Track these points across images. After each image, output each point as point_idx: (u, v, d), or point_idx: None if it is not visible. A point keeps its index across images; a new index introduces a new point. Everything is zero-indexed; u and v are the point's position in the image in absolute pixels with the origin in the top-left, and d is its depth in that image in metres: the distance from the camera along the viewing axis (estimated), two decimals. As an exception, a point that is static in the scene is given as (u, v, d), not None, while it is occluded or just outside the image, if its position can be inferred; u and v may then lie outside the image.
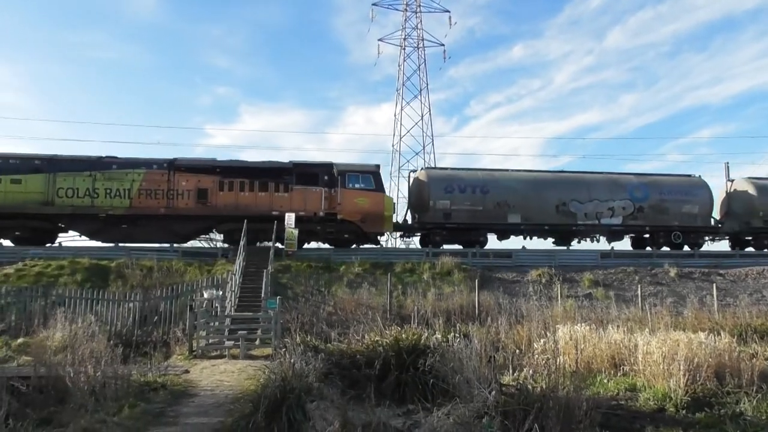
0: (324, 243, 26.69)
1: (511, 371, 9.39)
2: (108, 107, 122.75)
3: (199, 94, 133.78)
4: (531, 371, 8.74)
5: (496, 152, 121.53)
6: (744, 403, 8.71)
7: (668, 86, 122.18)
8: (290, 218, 23.74)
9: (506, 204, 27.04)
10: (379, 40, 51.67)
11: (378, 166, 26.84)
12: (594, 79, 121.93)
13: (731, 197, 30.43)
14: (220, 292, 18.40)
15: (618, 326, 12.36)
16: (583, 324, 12.24)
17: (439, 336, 10.62)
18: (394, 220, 27.43)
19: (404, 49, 50.58)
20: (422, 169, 28.51)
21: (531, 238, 28.41)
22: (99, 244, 25.08)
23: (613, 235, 28.89)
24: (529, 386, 7.39)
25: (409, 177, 29.39)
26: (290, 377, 8.14)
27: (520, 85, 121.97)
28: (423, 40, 50.70)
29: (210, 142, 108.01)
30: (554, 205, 27.51)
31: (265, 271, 19.54)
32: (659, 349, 9.94)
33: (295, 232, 23.99)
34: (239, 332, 15.14)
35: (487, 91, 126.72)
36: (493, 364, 8.80)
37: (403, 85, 49.57)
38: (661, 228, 28.24)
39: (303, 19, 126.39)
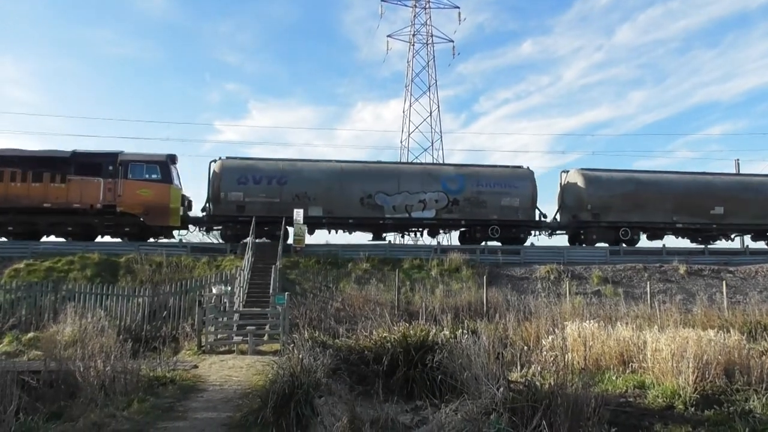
0: (104, 237, 25.49)
1: (519, 368, 9.39)
2: (117, 103, 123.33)
3: (209, 90, 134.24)
4: (539, 368, 8.73)
5: (504, 149, 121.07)
6: (753, 401, 8.67)
7: (678, 83, 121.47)
8: (299, 214, 23.78)
9: (306, 196, 25.57)
10: (388, 36, 51.66)
11: (169, 156, 25.34)
12: (603, 75, 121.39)
13: (564, 190, 29.16)
14: (229, 288, 18.46)
15: (627, 323, 12.33)
16: (591, 321, 12.20)
17: (447, 332, 10.62)
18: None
19: (413, 45, 50.51)
20: (219, 159, 26.05)
21: (336, 232, 27.34)
22: (109, 239, 25.26)
23: (429, 228, 27.97)
24: (538, 383, 7.37)
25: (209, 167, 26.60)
26: (299, 373, 8.16)
27: (529, 81, 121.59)
28: (432, 36, 50.61)
29: (219, 138, 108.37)
30: (359, 197, 26.07)
31: (273, 267, 19.59)
32: (668, 346, 9.88)
33: (304, 228, 24.03)
34: (248, 328, 15.19)
35: (496, 88, 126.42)
36: (501, 361, 8.78)
37: (412, 81, 49.51)
38: (478, 222, 26.91)
39: (312, 16, 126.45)
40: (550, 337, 11.11)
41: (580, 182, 27.94)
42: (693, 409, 8.48)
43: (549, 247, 27.40)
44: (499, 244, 26.97)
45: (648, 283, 21.37)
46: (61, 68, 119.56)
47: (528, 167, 28.56)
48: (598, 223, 27.68)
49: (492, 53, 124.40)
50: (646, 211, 28.04)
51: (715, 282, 22.74)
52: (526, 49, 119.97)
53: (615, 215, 27.78)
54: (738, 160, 36.78)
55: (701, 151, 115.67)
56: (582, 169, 29.02)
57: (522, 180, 27.69)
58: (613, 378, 10.26)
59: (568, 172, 29.55)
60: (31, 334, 15.98)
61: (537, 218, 27.94)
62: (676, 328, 11.45)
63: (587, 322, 12.10)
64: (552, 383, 7.31)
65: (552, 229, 29.04)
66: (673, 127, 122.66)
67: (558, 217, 29.09)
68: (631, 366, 10.66)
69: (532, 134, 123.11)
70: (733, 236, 30.43)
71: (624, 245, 27.44)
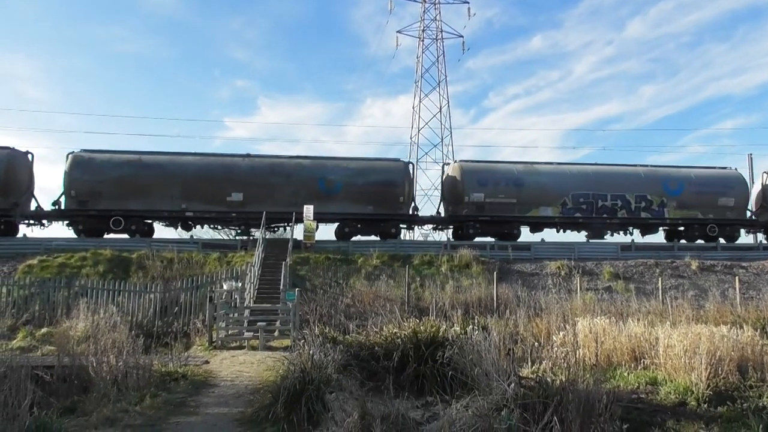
0: None
1: (530, 364, 9.36)
2: (128, 100, 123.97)
3: (218, 86, 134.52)
4: (550, 364, 8.70)
5: (514, 144, 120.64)
6: (766, 397, 8.60)
7: (689, 77, 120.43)
8: (308, 210, 23.83)
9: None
10: (398, 32, 51.44)
11: None
12: (614, 70, 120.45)
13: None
14: (240, 284, 18.54)
15: (638, 319, 12.26)
16: (603, 317, 12.15)
17: (458, 328, 10.60)
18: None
19: (423, 40, 50.30)
20: (456, 161, 27.93)
21: None
22: (120, 235, 25.43)
23: None
24: (549, 379, 7.35)
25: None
26: (309, 368, 8.18)
27: (539, 76, 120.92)
28: (442, 31, 50.32)
29: (228, 135, 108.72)
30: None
31: (283, 263, 19.65)
32: (680, 342, 9.82)
33: (314, 224, 24.09)
34: (258, 323, 15.24)
35: (506, 83, 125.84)
36: (512, 357, 8.76)
37: (422, 77, 49.32)
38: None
39: (321, 12, 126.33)
40: (561, 333, 11.08)
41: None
42: (706, 405, 8.43)
43: (560, 243, 27.39)
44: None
45: (660, 278, 21.23)
46: (72, 66, 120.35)
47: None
48: (86, 211, 24.91)
49: (501, 48, 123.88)
50: (150, 198, 25.25)
51: (728, 278, 22.58)
52: (535, 44, 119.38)
53: (108, 203, 25.02)
54: (751, 154, 36.33)
55: (713, 145, 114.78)
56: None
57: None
58: (625, 374, 10.21)
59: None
60: (44, 330, 16.14)
61: None
62: (688, 324, 11.38)
63: (598, 318, 12.05)
64: (563, 379, 7.29)
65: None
66: (684, 122, 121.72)
67: None
68: (643, 362, 10.59)
69: (542, 129, 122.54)
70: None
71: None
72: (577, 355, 9.10)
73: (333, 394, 7.68)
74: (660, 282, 20.45)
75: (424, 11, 50.63)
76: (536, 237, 28.52)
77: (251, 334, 15.25)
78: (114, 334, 11.49)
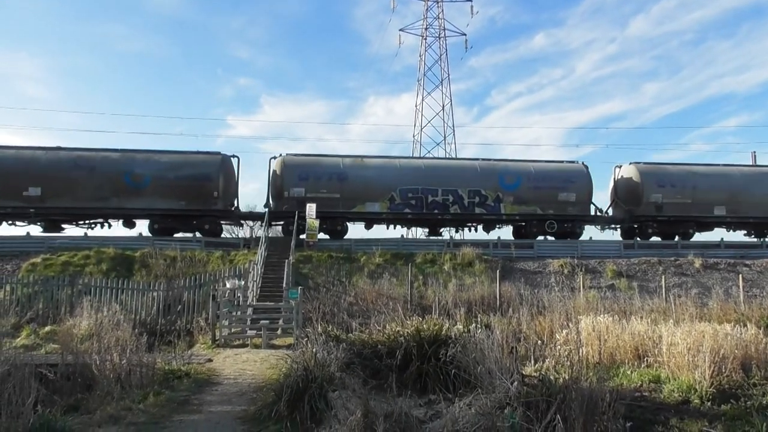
0: None
1: (533, 362, 9.34)
2: (131, 99, 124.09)
3: (221, 85, 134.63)
4: (553, 362, 8.68)
5: (517, 142, 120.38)
6: (771, 395, 8.58)
7: (692, 74, 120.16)
8: (311, 209, 23.84)
9: None
10: (400, 30, 51.41)
11: None
12: (617, 67, 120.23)
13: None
14: (243, 282, 18.56)
15: (642, 317, 12.23)
16: (606, 315, 12.13)
17: (461, 327, 10.59)
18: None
19: (425, 39, 50.26)
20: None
21: None
22: (124, 233, 25.48)
23: None
24: (552, 377, 7.34)
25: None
26: (312, 367, 8.19)
27: (542, 74, 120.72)
28: (444, 29, 50.30)
29: (231, 133, 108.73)
30: None
31: (286, 261, 19.68)
32: (684, 340, 9.80)
33: (317, 222, 24.09)
34: (261, 322, 15.27)
35: (508, 81, 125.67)
36: (515, 355, 8.75)
37: (424, 75, 49.31)
38: None
39: (323, 10, 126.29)
40: (564, 332, 11.05)
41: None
42: (709, 403, 8.41)
43: (563, 241, 27.28)
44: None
45: (663, 276, 21.23)
46: (75, 64, 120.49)
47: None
48: None
49: (504, 46, 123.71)
50: None
51: (731, 275, 22.53)
52: (538, 42, 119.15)
53: None
54: (755, 152, 36.32)
55: (717, 143, 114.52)
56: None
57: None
58: (628, 372, 10.19)
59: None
60: (48, 328, 16.19)
61: None
62: (691, 322, 11.35)
63: (601, 316, 12.03)
64: (566, 377, 7.28)
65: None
66: (688, 120, 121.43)
67: None
68: (647, 360, 10.58)
69: (545, 127, 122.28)
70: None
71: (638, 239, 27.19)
72: (580, 354, 9.09)
73: (336, 393, 7.68)
74: (663, 280, 20.42)
75: (426, 9, 50.65)
76: (370, 234, 27.87)
77: (254, 332, 15.28)
78: (117, 333, 11.50)
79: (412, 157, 28.65)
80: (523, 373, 7.90)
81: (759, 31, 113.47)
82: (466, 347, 8.86)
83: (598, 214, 28.67)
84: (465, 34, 51.31)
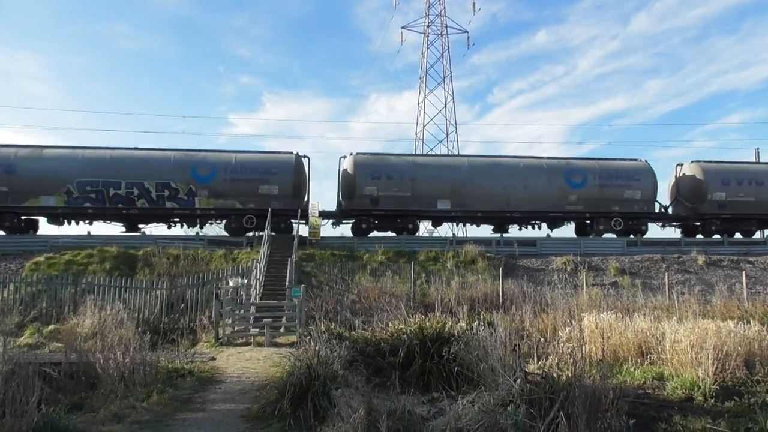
0: None
1: (536, 360, 9.34)
2: (133, 97, 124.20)
3: (223, 83, 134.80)
4: (556, 360, 8.67)
5: (519, 140, 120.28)
6: (774, 393, 8.57)
7: (695, 71, 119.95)
8: (314, 207, 23.87)
9: None
10: (402, 27, 51.53)
11: None
12: (619, 64, 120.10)
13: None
14: (245, 280, 18.58)
15: (645, 314, 12.21)
16: (609, 312, 12.12)
17: (464, 324, 10.60)
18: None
19: (427, 36, 50.32)
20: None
21: None
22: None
23: None
24: (555, 375, 7.32)
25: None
26: (315, 365, 8.19)
27: (544, 71, 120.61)
28: (446, 27, 50.37)
29: (233, 132, 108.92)
30: None
31: (289, 259, 19.70)
32: (687, 337, 9.79)
33: (320, 220, 24.12)
34: (264, 320, 15.29)
35: (511, 78, 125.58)
36: (518, 353, 8.72)
37: (427, 72, 49.37)
38: None
39: (325, 8, 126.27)
40: (567, 329, 11.04)
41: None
42: (713, 400, 8.39)
43: (566, 239, 27.30)
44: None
45: (666, 274, 21.20)
46: (77, 63, 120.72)
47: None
48: None
49: (506, 43, 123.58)
50: None
51: (735, 272, 22.49)
52: (540, 39, 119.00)
53: None
54: (758, 149, 36.07)
55: (719, 140, 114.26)
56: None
57: None
58: (632, 369, 10.18)
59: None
60: (51, 327, 16.24)
61: None
62: (695, 319, 11.34)
63: (605, 313, 12.02)
64: (569, 375, 7.26)
65: None
66: (690, 116, 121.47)
67: None
68: (650, 357, 10.56)
69: (547, 125, 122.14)
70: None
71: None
72: (584, 351, 9.07)
73: (339, 390, 7.68)
74: (666, 277, 20.40)
75: (428, 7, 50.68)
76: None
77: (257, 330, 15.30)
78: (121, 331, 11.55)
79: (96, 148, 25.88)
80: (526, 370, 7.89)
81: (762, 27, 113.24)
82: (469, 345, 8.86)
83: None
84: (467, 32, 51.42)
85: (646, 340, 10.99)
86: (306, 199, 26.72)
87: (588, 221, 28.25)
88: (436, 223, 28.26)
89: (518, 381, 7.06)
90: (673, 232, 30.66)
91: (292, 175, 25.88)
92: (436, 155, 28.66)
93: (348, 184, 26.43)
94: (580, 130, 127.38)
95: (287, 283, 18.36)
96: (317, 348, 8.74)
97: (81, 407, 8.45)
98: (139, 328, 13.50)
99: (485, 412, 6.59)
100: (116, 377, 9.25)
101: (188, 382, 10.19)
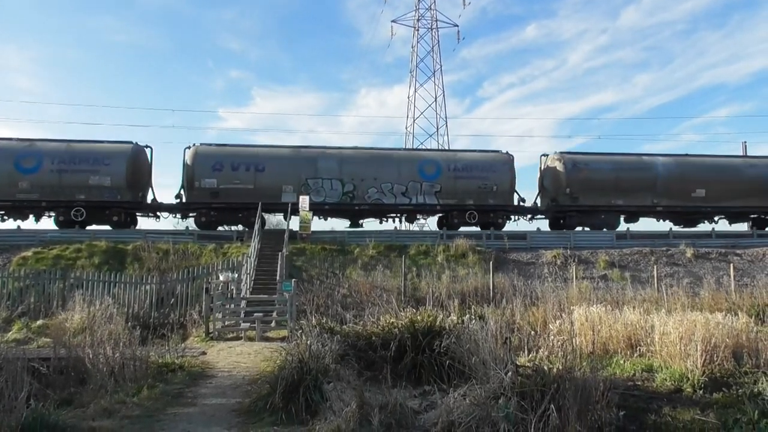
0: None
1: (526, 353, 9.38)
2: (121, 91, 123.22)
3: (213, 77, 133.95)
4: (547, 353, 8.71)
5: (509, 134, 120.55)
6: (762, 383, 8.62)
7: (684, 65, 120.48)
8: (304, 201, 23.79)
9: None
10: (392, 21, 51.41)
11: None
12: (608, 58, 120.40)
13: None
14: (236, 275, 18.52)
15: (634, 307, 12.29)
16: (598, 305, 12.18)
17: (455, 318, 10.62)
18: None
19: (417, 30, 50.23)
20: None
21: None
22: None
23: None
24: (546, 367, 7.35)
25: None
26: (307, 359, 8.18)
27: (534, 65, 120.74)
28: (436, 21, 50.26)
29: (223, 126, 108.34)
30: None
31: (280, 253, 19.64)
32: (676, 329, 9.85)
33: (310, 214, 24.05)
34: (255, 314, 15.26)
35: (501, 72, 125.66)
36: (509, 346, 8.77)
37: (417, 66, 49.29)
38: None
39: (315, 2, 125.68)
40: (557, 322, 11.09)
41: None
42: (701, 391, 8.46)
43: (556, 232, 27.39)
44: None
45: (655, 266, 21.34)
46: (65, 56, 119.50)
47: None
48: None
49: (496, 37, 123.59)
50: None
51: (723, 265, 22.68)
52: (530, 33, 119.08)
53: None
54: (745, 142, 36.36)
55: (708, 133, 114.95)
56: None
57: None
58: (621, 362, 10.24)
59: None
60: (40, 322, 16.10)
61: None
62: (683, 312, 11.42)
63: (594, 306, 12.08)
64: (560, 367, 7.30)
65: None
66: (679, 110, 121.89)
67: None
68: (639, 350, 10.63)
69: (536, 119, 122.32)
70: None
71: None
72: (574, 344, 9.14)
73: (331, 384, 7.68)
74: (655, 270, 20.53)
75: (418, 1, 50.54)
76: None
77: (248, 325, 15.26)
78: (110, 326, 11.49)
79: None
80: (517, 363, 7.91)
81: (750, 22, 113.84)
82: (460, 338, 8.88)
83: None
84: (457, 25, 51.35)
85: (635, 332, 11.06)
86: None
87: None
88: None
89: (509, 374, 7.08)
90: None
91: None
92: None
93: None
94: (569, 123, 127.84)
95: (278, 278, 18.31)
96: (309, 342, 8.73)
97: (70, 403, 8.40)
98: (129, 323, 13.40)
99: (477, 405, 6.62)
100: (106, 372, 9.20)
101: (179, 377, 10.15)
